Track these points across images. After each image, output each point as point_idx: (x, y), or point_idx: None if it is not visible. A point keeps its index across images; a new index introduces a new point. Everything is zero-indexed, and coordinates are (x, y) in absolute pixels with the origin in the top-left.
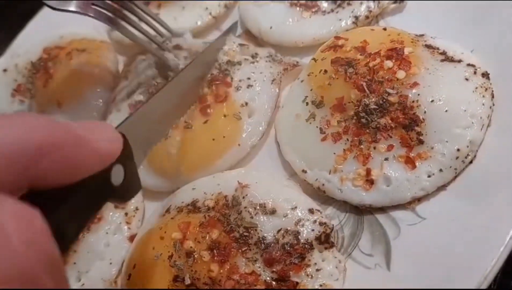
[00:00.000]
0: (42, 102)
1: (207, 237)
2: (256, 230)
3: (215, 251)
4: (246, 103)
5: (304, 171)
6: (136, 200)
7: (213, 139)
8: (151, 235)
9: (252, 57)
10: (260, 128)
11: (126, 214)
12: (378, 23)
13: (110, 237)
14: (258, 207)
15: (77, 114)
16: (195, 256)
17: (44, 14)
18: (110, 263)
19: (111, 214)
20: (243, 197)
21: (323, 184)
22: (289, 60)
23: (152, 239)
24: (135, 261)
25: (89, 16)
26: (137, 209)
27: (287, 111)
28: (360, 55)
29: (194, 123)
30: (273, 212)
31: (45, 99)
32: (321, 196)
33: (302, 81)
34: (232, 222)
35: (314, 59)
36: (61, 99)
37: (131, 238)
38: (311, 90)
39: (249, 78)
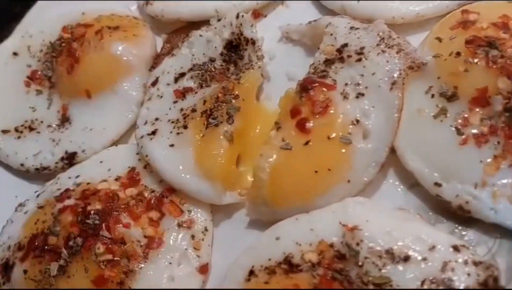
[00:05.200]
0: (66, 92)
1: None
2: (391, 285)
3: None
4: (357, 121)
5: (437, 185)
6: (204, 217)
7: (316, 172)
8: None
9: (358, 53)
10: (378, 158)
11: (192, 236)
12: None
13: (175, 269)
14: (384, 255)
15: (111, 106)
16: None
17: None
18: None
19: (173, 236)
20: (358, 244)
21: (467, 202)
22: (414, 52)
23: None
24: None
25: None
26: (206, 229)
27: (404, 105)
28: (504, 33)
29: (292, 142)
30: (406, 258)
31: (71, 88)
32: (459, 216)
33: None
34: (355, 278)
35: (438, 38)
36: (91, 88)
37: (202, 269)
38: (438, 78)
39: (358, 84)
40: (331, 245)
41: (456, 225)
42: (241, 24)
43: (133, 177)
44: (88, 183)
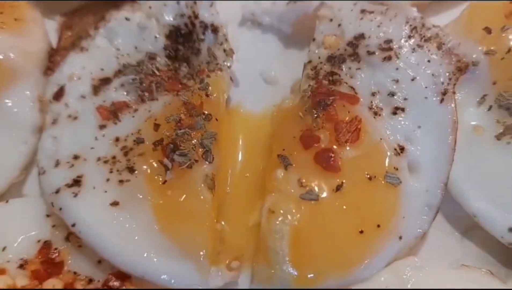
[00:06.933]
0: None
1: None
2: None
3: None
4: (402, 149)
5: None
6: None
7: (361, 232)
8: None
9: (383, 49)
10: (433, 200)
11: None
12: None
13: None
14: None
15: None
16: None
17: None
18: None
19: None
20: None
21: None
22: (457, 47)
23: None
24: None
25: None
26: None
27: None
28: None
29: (316, 187)
30: None
31: None
32: None
33: None
34: None
35: (487, 28)
36: None
37: None
38: (493, 83)
39: (392, 94)
40: None
41: None
42: (194, 3)
43: (50, 260)
44: None
